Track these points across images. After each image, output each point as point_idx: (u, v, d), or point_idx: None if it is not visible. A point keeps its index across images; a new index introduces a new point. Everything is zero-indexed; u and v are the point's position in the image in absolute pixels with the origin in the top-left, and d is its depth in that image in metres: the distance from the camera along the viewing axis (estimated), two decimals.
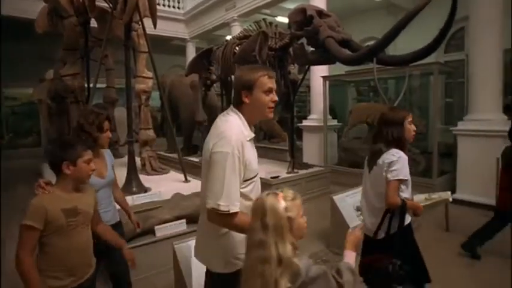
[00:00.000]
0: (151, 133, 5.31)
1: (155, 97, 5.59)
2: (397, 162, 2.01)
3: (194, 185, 4.22)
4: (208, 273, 1.63)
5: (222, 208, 1.38)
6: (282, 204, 1.19)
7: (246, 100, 1.51)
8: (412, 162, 5.48)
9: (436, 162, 5.10)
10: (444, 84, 6.50)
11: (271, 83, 1.52)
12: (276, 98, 1.54)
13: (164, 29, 10.73)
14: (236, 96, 1.54)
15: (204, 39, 12.49)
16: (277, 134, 8.23)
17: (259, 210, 1.18)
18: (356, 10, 9.51)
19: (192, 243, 2.12)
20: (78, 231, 1.63)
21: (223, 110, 7.42)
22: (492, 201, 4.43)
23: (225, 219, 1.42)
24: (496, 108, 4.84)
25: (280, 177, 5.10)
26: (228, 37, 7.24)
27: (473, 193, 4.78)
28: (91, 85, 5.64)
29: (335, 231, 3.46)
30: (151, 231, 2.96)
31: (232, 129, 1.47)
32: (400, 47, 5.24)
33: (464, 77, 6.46)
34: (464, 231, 3.80)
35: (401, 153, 2.06)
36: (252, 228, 1.20)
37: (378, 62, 3.77)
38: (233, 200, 1.41)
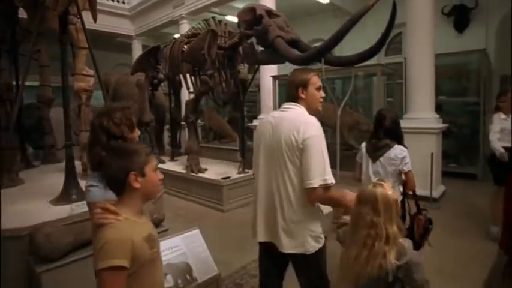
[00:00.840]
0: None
1: (98, 97, 5.20)
2: (406, 156, 2.61)
3: None
4: (303, 259, 1.73)
5: (328, 181, 1.63)
6: (390, 191, 1.44)
7: (302, 95, 1.81)
8: None
9: None
10: (385, 84, 6.90)
11: (320, 82, 1.84)
12: (323, 94, 1.88)
13: (108, 24, 10.14)
14: (293, 92, 1.82)
15: (151, 37, 12.02)
16: (228, 134, 8.15)
17: (371, 197, 1.42)
18: (304, 12, 9.78)
19: None
20: (157, 265, 1.31)
21: (171, 109, 7.28)
22: (427, 193, 4.82)
23: (329, 191, 1.65)
24: (430, 108, 5.25)
25: (231, 178, 5.06)
26: (177, 35, 7.02)
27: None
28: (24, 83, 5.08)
29: None
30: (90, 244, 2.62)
31: (311, 117, 1.75)
32: (346, 48, 5.46)
33: (403, 79, 6.93)
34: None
35: (405, 149, 2.64)
36: (360, 212, 1.44)
37: (325, 63, 3.88)
38: (331, 173, 1.67)
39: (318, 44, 3.77)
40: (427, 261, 2.05)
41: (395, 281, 1.39)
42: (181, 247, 2.36)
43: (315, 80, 1.83)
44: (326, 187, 1.62)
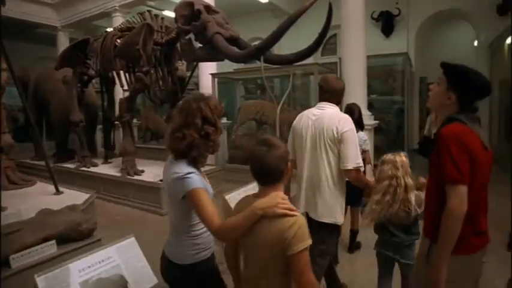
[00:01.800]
0: (7, 138, 4.32)
1: (13, 94, 4.62)
2: (367, 138, 3.27)
3: (68, 197, 3.62)
4: (330, 227, 2.13)
5: (360, 165, 2.05)
6: (404, 158, 2.00)
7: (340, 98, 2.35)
8: None
9: None
10: None
11: None
12: None
13: (27, 12, 9.08)
14: (333, 96, 2.27)
15: (80, 29, 11.04)
16: (166, 134, 7.84)
17: (391, 159, 1.98)
18: (243, 11, 9.78)
19: (63, 271, 1.76)
20: None
21: (104, 108, 6.77)
22: None
23: (359, 173, 2.08)
24: (363, 106, 5.58)
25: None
26: (110, 29, 6.52)
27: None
28: None
29: None
30: (4, 264, 2.23)
31: (345, 114, 2.24)
32: (285, 48, 5.58)
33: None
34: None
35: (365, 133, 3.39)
36: (383, 169, 1.98)
37: (265, 61, 3.91)
38: (361, 159, 2.09)
39: (257, 43, 3.77)
40: None
41: (415, 223, 1.98)
42: (115, 259, 2.16)
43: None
44: (358, 169, 2.05)
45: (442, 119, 1.53)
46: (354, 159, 2.02)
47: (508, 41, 6.81)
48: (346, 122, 2.08)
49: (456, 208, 1.32)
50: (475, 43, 8.88)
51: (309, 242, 1.24)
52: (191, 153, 1.41)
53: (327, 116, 2.13)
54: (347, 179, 2.15)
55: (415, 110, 9.51)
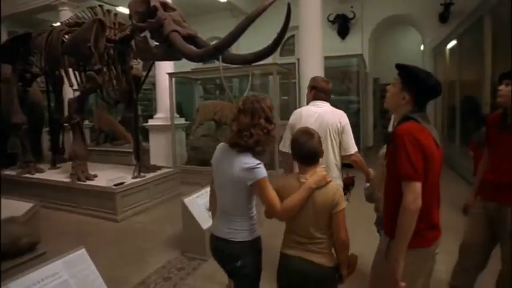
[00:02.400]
0: None
1: None
2: None
3: (6, 208, 3.25)
4: None
5: (356, 150, 2.49)
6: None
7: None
8: (258, 157, 5.97)
9: (277, 155, 5.63)
10: (281, 83, 7.26)
11: None
12: None
13: None
14: (325, 95, 2.61)
15: (20, 23, 10.15)
16: (121, 136, 7.47)
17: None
18: (201, 10, 9.61)
19: None
20: None
21: (50, 109, 6.28)
22: None
23: (358, 157, 2.50)
24: None
25: (125, 184, 4.60)
26: (56, 24, 6.05)
27: None
28: None
29: (188, 235, 3.33)
30: None
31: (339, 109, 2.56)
32: (243, 49, 5.54)
33: (296, 78, 7.41)
34: None
35: None
36: (378, 154, 2.39)
37: (223, 60, 3.84)
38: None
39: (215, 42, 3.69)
40: None
41: None
42: (62, 274, 1.99)
43: None
44: (356, 154, 2.45)
45: (397, 118, 1.59)
46: (354, 146, 2.47)
47: (449, 46, 7.36)
48: (344, 116, 2.52)
49: (411, 204, 1.36)
50: (422, 47, 9.49)
51: (345, 203, 1.65)
52: (257, 148, 1.64)
53: (329, 112, 2.51)
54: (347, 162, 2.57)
55: (369, 110, 9.95)
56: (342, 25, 9.27)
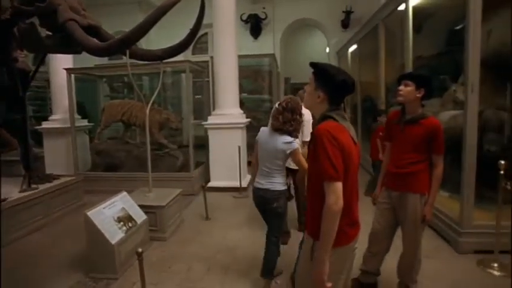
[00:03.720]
0: None
1: None
2: None
3: None
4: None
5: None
6: None
7: None
8: (172, 159, 5.70)
9: (192, 156, 5.45)
10: (193, 82, 7.04)
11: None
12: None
13: None
14: None
15: None
16: (4, 142, 6.25)
17: None
18: (105, 1, 8.72)
19: None
20: None
21: None
22: (236, 183, 5.27)
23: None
24: (235, 104, 5.71)
25: (8, 200, 3.75)
26: None
27: (223, 178, 5.47)
28: None
29: (94, 252, 2.93)
30: None
31: None
32: (153, 45, 5.20)
33: (209, 77, 7.27)
34: (223, 218, 4.29)
35: None
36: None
37: (131, 56, 3.50)
38: None
39: None
40: None
41: None
42: None
43: None
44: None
45: (316, 117, 1.58)
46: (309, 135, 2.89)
47: (350, 49, 8.09)
48: (309, 113, 3.01)
49: (333, 205, 1.36)
50: (327, 49, 10.25)
51: None
52: (293, 133, 2.53)
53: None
54: None
55: None
56: (255, 25, 9.45)
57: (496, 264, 2.87)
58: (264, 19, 9.43)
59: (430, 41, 5.14)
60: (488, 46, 3.25)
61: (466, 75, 3.02)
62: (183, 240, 3.64)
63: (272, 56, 8.30)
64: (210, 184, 5.45)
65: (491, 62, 3.23)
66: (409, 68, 4.25)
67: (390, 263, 2.51)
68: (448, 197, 3.68)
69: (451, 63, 4.75)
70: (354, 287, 2.37)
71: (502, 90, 3.69)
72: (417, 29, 4.31)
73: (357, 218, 1.58)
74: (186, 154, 5.60)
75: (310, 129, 2.65)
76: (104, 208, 3.08)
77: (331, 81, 1.49)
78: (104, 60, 8.30)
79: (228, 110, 5.57)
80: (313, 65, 1.57)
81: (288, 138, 2.48)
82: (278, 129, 2.50)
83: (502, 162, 2.82)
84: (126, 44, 3.03)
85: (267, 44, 9.50)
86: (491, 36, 3.87)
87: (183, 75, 6.29)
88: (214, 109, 5.82)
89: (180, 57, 5.07)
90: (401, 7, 4.44)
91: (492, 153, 3.28)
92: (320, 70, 1.53)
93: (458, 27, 4.89)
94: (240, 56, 6.03)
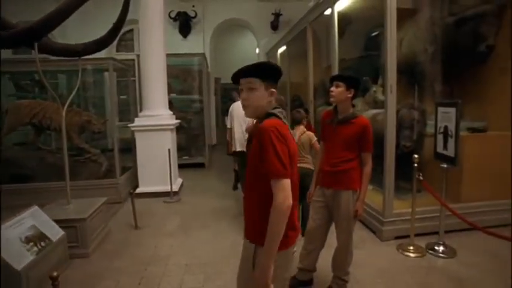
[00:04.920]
0: None
1: None
2: None
3: None
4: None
5: None
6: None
7: None
8: (95, 165, 5.18)
9: (118, 161, 5.03)
10: (118, 81, 6.54)
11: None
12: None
13: None
14: None
15: None
16: None
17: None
18: None
19: None
20: None
21: None
22: (167, 188, 5.01)
23: None
24: (164, 105, 5.43)
25: None
26: None
27: (153, 183, 5.16)
28: None
29: None
30: None
31: None
32: (71, 41, 4.66)
33: (136, 76, 6.84)
34: (154, 225, 4.03)
35: None
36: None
37: (41, 50, 3.04)
38: None
39: None
40: None
41: None
42: None
43: None
44: None
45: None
46: None
47: (280, 51, 8.34)
48: None
49: (282, 203, 1.28)
50: (257, 50, 10.41)
51: None
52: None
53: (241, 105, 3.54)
54: None
55: (212, 109, 10.23)
56: (184, 23, 9.17)
57: (411, 247, 3.17)
58: (193, 17, 9.22)
59: (352, 45, 5.54)
60: (400, 53, 3.57)
61: (385, 78, 3.29)
62: (109, 254, 3.32)
63: (202, 55, 8.13)
64: (138, 190, 5.09)
65: (403, 67, 3.57)
66: (336, 69, 4.50)
67: (324, 258, 2.59)
68: (371, 190, 3.98)
69: (370, 66, 5.17)
70: (291, 286, 2.38)
71: (412, 92, 4.13)
72: (340, 33, 4.58)
73: (297, 220, 1.53)
74: (111, 159, 5.15)
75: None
76: (7, 228, 2.62)
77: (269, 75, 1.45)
78: (8, 54, 7.28)
79: (157, 111, 5.28)
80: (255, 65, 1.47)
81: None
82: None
83: (416, 156, 3.13)
84: (36, 34, 2.65)
85: (197, 43, 9.31)
86: (402, 44, 4.31)
87: (106, 73, 5.78)
88: (141, 110, 5.46)
89: (102, 55, 4.66)
90: (328, 12, 4.68)
91: (407, 148, 3.63)
92: (259, 68, 1.45)
93: (374, 34, 5.37)
94: (168, 55, 5.77)
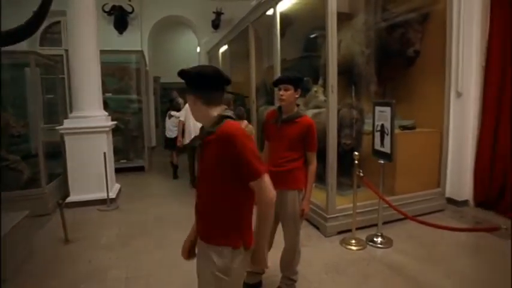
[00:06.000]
0: None
1: None
2: None
3: None
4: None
5: None
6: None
7: None
8: (15, 173, 4.55)
9: (43, 168, 4.50)
10: (43, 79, 5.88)
11: None
12: None
13: None
14: None
15: None
16: None
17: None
18: None
19: None
20: None
21: None
22: (103, 195, 4.63)
23: None
24: (98, 106, 4.99)
25: None
26: None
27: (86, 191, 4.71)
28: None
29: None
30: None
31: None
32: None
33: (64, 73, 6.23)
34: (89, 237, 3.67)
35: None
36: None
37: None
38: None
39: None
40: None
41: None
42: None
43: None
44: None
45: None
46: None
47: (221, 50, 8.25)
48: None
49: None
50: (198, 49, 10.19)
51: None
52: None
53: None
54: None
55: (151, 109, 9.77)
56: (120, 18, 8.59)
57: (353, 241, 3.31)
58: (130, 13, 8.66)
59: (293, 45, 5.66)
60: (339, 54, 3.71)
61: (327, 78, 3.38)
62: (34, 275, 2.89)
63: (140, 53, 7.70)
64: (69, 199, 4.60)
65: (341, 68, 3.71)
66: (278, 69, 4.54)
67: (272, 259, 2.55)
68: (315, 187, 4.09)
69: (310, 66, 5.33)
70: None
71: (350, 92, 4.34)
72: (282, 34, 4.64)
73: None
74: (35, 166, 4.58)
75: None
76: None
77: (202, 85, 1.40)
78: None
79: (90, 111, 4.81)
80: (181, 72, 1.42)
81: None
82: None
83: (356, 153, 3.27)
84: None
85: (134, 40, 8.79)
86: (341, 46, 4.50)
87: (28, 69, 5.13)
88: (71, 111, 4.95)
89: (22, 48, 4.14)
90: (270, 12, 4.70)
91: (348, 145, 3.78)
92: (189, 76, 1.40)
93: (313, 36, 5.55)
94: (102, 52, 5.34)
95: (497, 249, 3.14)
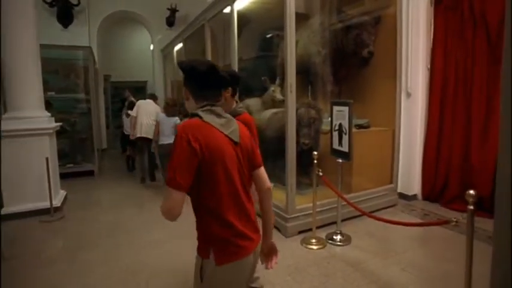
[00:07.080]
0: None
1: None
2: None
3: None
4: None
5: None
6: None
7: None
8: None
9: None
10: None
11: None
12: None
13: None
14: None
15: None
16: None
17: None
18: None
19: None
20: None
21: None
22: (46, 204, 4.21)
23: None
24: (39, 106, 4.55)
25: None
26: None
27: (26, 200, 4.27)
28: None
29: None
30: None
31: None
32: None
33: None
34: (29, 253, 3.29)
35: None
36: None
37: None
38: None
39: None
40: None
41: None
42: None
43: None
44: None
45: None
46: None
47: (176, 48, 7.98)
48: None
49: (167, 211, 1.27)
50: (151, 47, 9.78)
51: None
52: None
53: (149, 103, 4.96)
54: None
55: (101, 109, 9.19)
56: (64, 10, 7.92)
57: (314, 240, 3.32)
58: (75, 5, 8.02)
59: (249, 45, 5.60)
60: (297, 54, 3.71)
61: (285, 78, 3.36)
62: None
63: (88, 49, 7.19)
64: (4, 211, 4.10)
65: (299, 68, 3.72)
66: (236, 68, 4.45)
67: None
68: (273, 188, 4.05)
69: (266, 66, 5.31)
70: None
71: (307, 91, 4.37)
72: (238, 33, 4.57)
73: (242, 228, 1.35)
74: None
75: None
76: None
77: (191, 77, 1.37)
78: None
79: (29, 112, 4.35)
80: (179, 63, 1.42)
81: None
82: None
83: (315, 153, 3.28)
84: None
85: (81, 36, 8.18)
86: (298, 46, 4.52)
87: None
88: (6, 112, 4.44)
89: None
90: (227, 10, 4.59)
91: (306, 145, 3.79)
92: (181, 67, 1.38)
93: (269, 35, 5.55)
94: (43, 46, 4.88)
95: (446, 239, 3.35)
